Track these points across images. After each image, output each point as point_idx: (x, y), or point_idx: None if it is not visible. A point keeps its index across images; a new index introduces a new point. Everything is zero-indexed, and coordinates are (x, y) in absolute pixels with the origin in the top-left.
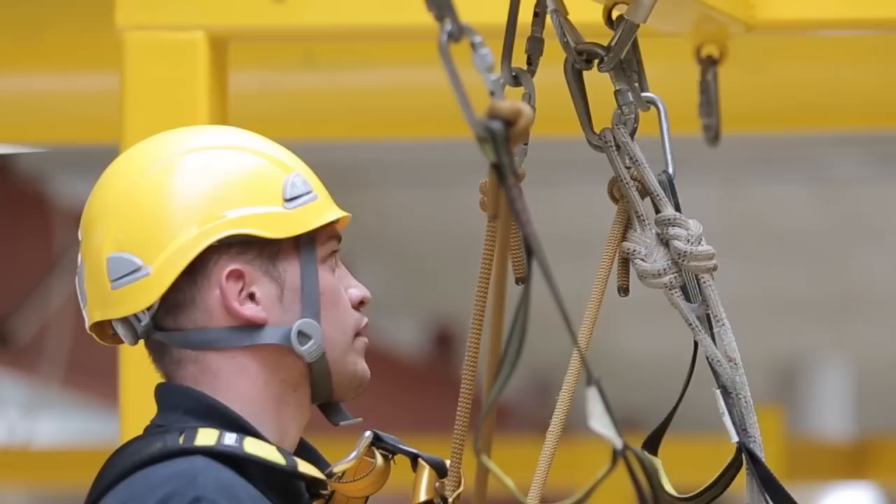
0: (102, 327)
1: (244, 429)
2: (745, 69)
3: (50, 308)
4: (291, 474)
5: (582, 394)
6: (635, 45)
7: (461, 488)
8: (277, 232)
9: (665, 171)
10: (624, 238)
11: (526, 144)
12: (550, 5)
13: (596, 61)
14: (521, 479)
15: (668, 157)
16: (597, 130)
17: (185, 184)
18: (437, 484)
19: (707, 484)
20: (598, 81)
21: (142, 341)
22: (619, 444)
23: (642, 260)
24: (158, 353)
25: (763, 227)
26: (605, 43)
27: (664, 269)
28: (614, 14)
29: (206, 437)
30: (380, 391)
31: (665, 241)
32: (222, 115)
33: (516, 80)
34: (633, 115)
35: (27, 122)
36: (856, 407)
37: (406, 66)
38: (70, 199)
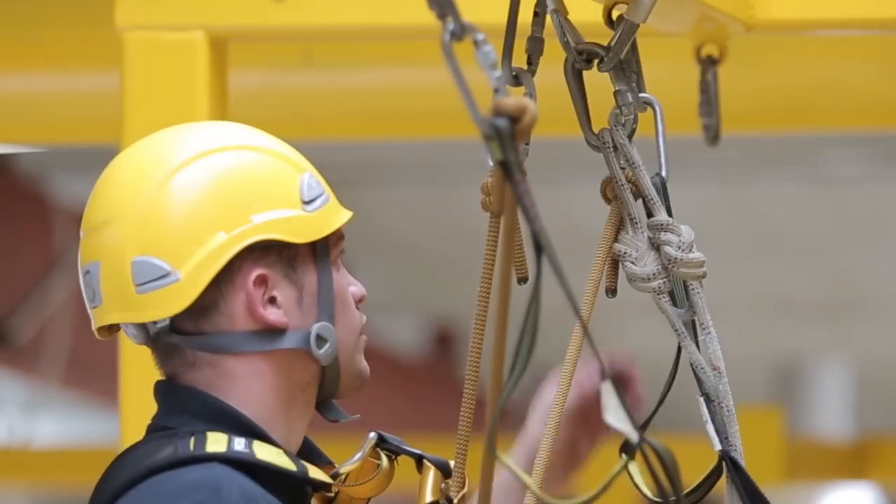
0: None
1: (254, 433)
2: (744, 69)
3: (50, 308)
4: (302, 480)
5: None
6: (634, 46)
7: (466, 489)
8: (301, 237)
9: (658, 174)
10: (615, 239)
11: (527, 144)
12: (550, 5)
13: (596, 61)
14: None
15: (663, 159)
16: (596, 131)
17: (209, 187)
18: (443, 485)
19: (687, 489)
20: (599, 82)
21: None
22: (634, 436)
23: (632, 263)
24: (167, 354)
25: (763, 227)
26: (605, 43)
27: (654, 274)
28: (614, 14)
29: (216, 442)
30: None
31: (656, 246)
32: (222, 115)
33: (517, 80)
34: (632, 116)
35: (27, 122)
36: (856, 407)
37: (406, 66)
38: (70, 199)
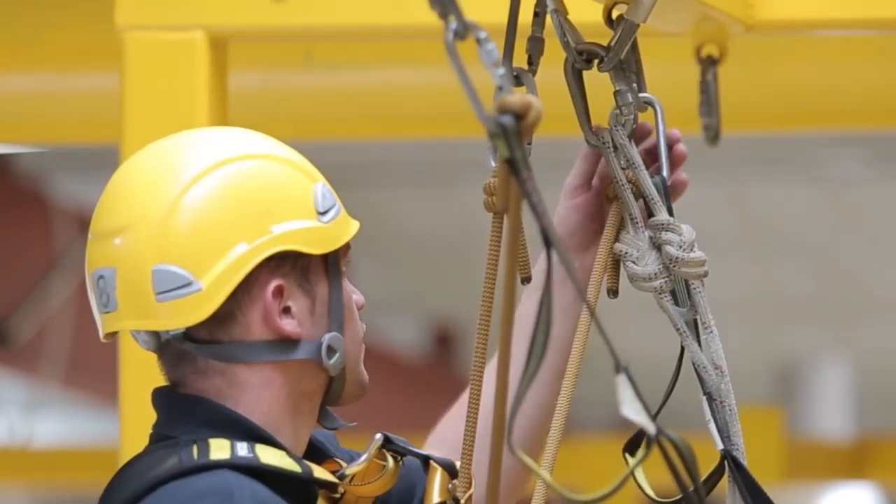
0: None
1: (261, 438)
2: (744, 69)
3: (50, 308)
4: (307, 482)
5: (581, 394)
6: (634, 46)
7: (472, 489)
8: (318, 248)
9: (659, 174)
10: (617, 239)
11: (530, 143)
12: (550, 5)
13: (596, 61)
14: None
15: (663, 159)
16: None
17: (230, 197)
18: (450, 485)
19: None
20: (599, 82)
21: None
22: (652, 429)
23: (634, 263)
24: (176, 361)
25: (763, 227)
26: (605, 43)
27: (655, 273)
28: (614, 14)
29: (220, 449)
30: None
31: (658, 246)
32: (222, 115)
33: (518, 80)
34: (632, 116)
35: (27, 122)
36: (856, 407)
37: (406, 66)
38: (70, 199)
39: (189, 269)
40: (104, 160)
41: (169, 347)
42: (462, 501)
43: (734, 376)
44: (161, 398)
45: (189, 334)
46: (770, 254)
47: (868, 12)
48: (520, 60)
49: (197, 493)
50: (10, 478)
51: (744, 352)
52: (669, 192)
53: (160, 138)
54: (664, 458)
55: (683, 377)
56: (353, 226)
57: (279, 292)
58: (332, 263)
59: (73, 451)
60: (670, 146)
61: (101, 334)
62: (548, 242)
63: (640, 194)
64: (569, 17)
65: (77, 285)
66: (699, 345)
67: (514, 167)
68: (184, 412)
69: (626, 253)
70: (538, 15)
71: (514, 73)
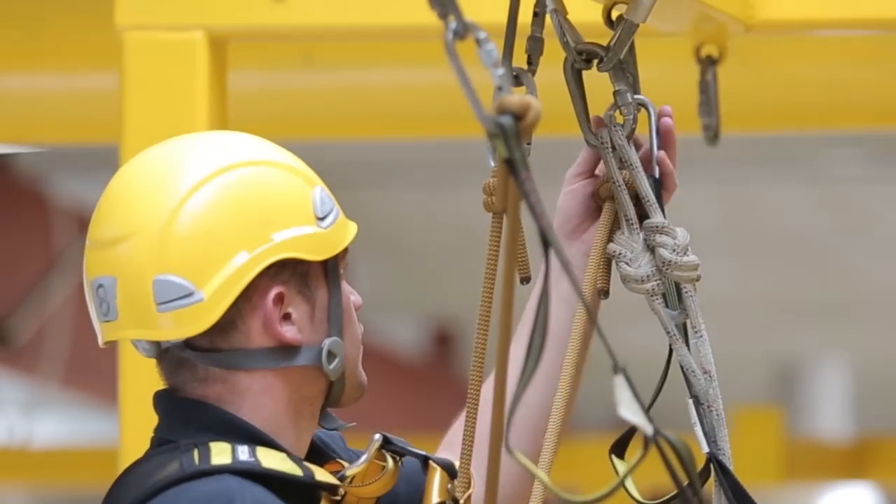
0: None
1: (262, 441)
2: (744, 69)
3: (50, 308)
4: (309, 485)
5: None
6: (631, 48)
7: (472, 489)
8: (319, 254)
9: (651, 175)
10: (611, 239)
11: (529, 144)
12: (550, 5)
13: (595, 61)
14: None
15: (656, 161)
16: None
17: (230, 206)
18: (449, 485)
19: (675, 491)
20: (599, 82)
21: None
22: (649, 430)
23: (627, 264)
24: (176, 368)
25: (763, 227)
26: (604, 43)
27: (648, 276)
28: (614, 14)
29: (221, 453)
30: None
31: (651, 248)
32: (222, 115)
33: (517, 80)
34: (631, 117)
35: (27, 122)
36: (855, 407)
37: (406, 66)
38: (70, 199)
39: (190, 279)
40: (104, 160)
41: (168, 355)
42: (461, 502)
43: (733, 376)
44: (162, 402)
45: (189, 342)
46: (770, 254)
47: (868, 12)
48: (520, 60)
49: (198, 498)
50: (10, 478)
51: (744, 352)
52: (661, 194)
53: (160, 138)
54: (662, 459)
55: (671, 379)
56: (352, 229)
57: (279, 299)
58: (331, 268)
59: (72, 451)
60: (662, 130)
61: (100, 342)
62: (546, 243)
63: (635, 195)
64: (568, 17)
65: (77, 286)
66: (689, 349)
67: (512, 167)
68: (185, 416)
69: (620, 254)
70: (538, 15)
71: (514, 73)
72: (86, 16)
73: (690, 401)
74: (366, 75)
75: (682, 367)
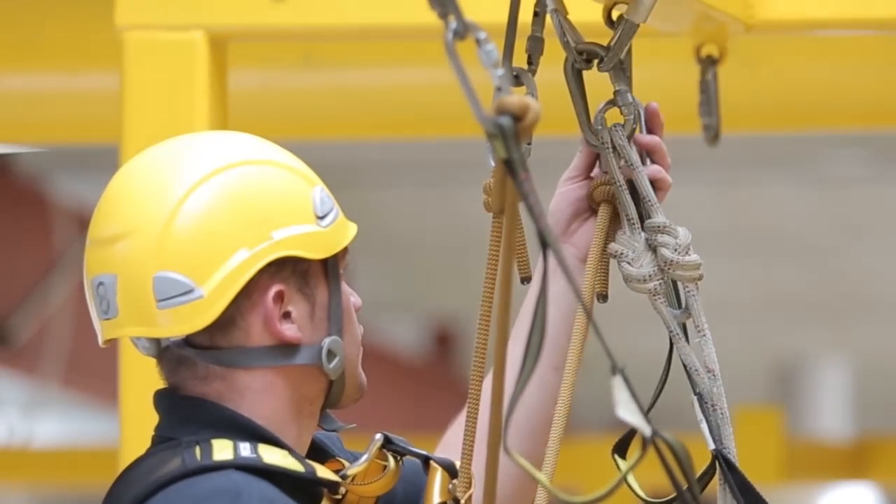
0: None
1: (264, 438)
2: (744, 69)
3: (50, 308)
4: (310, 481)
5: (580, 394)
6: (628, 50)
7: (473, 489)
8: (318, 252)
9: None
10: (611, 239)
11: (529, 144)
12: (550, 5)
13: (596, 61)
14: None
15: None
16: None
17: (230, 203)
18: (450, 485)
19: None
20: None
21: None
22: (647, 431)
23: (629, 264)
24: (176, 366)
25: (763, 227)
26: (605, 43)
27: (650, 275)
28: (614, 14)
29: (222, 449)
30: (380, 391)
31: (653, 248)
32: (222, 115)
33: (517, 80)
34: (632, 117)
35: (27, 122)
36: (856, 407)
37: (406, 66)
38: (70, 199)
39: (190, 276)
40: (104, 160)
41: (168, 353)
42: (462, 502)
43: (734, 376)
44: (163, 400)
45: (189, 340)
46: (770, 254)
47: (868, 12)
48: (520, 60)
49: (204, 493)
50: (10, 478)
51: (743, 352)
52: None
53: (160, 138)
54: (660, 460)
55: (675, 377)
56: (352, 229)
57: (279, 297)
58: (331, 267)
59: (72, 451)
60: (647, 115)
61: (100, 340)
62: (544, 243)
63: (636, 195)
64: (569, 16)
65: (77, 285)
66: (691, 348)
67: (511, 168)
68: (186, 414)
69: (622, 254)
70: (538, 15)
71: (514, 73)
72: (86, 16)
73: (694, 398)
74: (366, 75)
75: (685, 366)
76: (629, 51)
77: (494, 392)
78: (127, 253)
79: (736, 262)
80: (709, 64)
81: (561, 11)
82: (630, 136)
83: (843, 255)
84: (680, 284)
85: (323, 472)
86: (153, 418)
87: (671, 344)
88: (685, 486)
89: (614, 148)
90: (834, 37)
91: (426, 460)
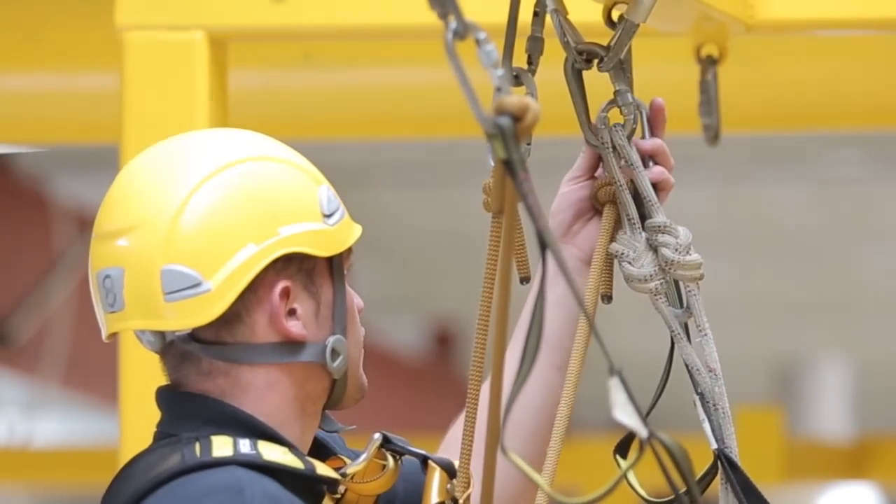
0: None
1: (266, 435)
2: (744, 69)
3: (50, 308)
4: (310, 478)
5: (581, 394)
6: (628, 50)
7: (471, 489)
8: (324, 250)
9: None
10: (612, 240)
11: (529, 144)
12: (550, 5)
13: (596, 61)
14: None
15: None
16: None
17: (239, 198)
18: (448, 485)
19: (682, 489)
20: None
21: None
22: (644, 432)
23: (630, 263)
24: (180, 361)
25: (763, 227)
26: (605, 43)
27: (651, 275)
28: (614, 14)
29: (222, 446)
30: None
31: (654, 247)
32: (222, 114)
33: (517, 80)
34: (632, 117)
35: (27, 122)
36: (856, 407)
37: (406, 66)
38: (70, 199)
39: (198, 270)
40: (104, 160)
41: (173, 348)
42: (461, 501)
43: (733, 376)
44: (165, 397)
45: (194, 335)
46: (770, 254)
47: (868, 12)
48: (520, 60)
49: (207, 489)
50: (10, 478)
51: (744, 352)
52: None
53: (160, 138)
54: (657, 461)
55: (677, 378)
56: (357, 229)
57: (285, 294)
58: (336, 266)
59: (72, 451)
60: (653, 111)
61: (103, 334)
62: (543, 244)
63: (636, 195)
64: (569, 16)
65: (77, 285)
66: (693, 347)
67: (510, 168)
68: (187, 410)
69: (623, 253)
70: (538, 15)
71: (514, 73)
72: (86, 16)
73: (696, 397)
74: (366, 75)
75: (686, 366)
76: (629, 51)
77: (493, 392)
78: (135, 246)
79: (736, 262)
80: (709, 64)
81: (561, 11)
82: (630, 136)
83: (843, 255)
84: (681, 284)
85: (323, 469)
86: (153, 418)
87: (672, 344)
88: (683, 488)
89: (614, 148)
90: (834, 37)
91: (424, 460)
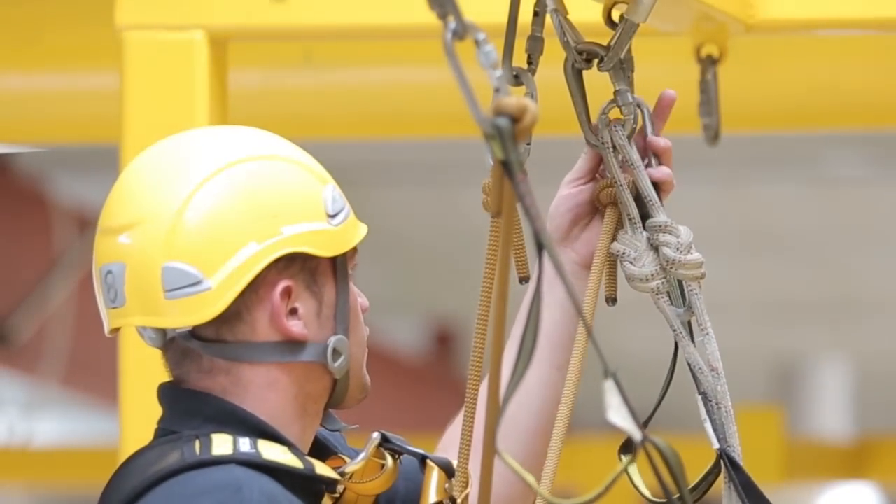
0: None
1: (266, 434)
2: (744, 69)
3: (50, 308)
4: (309, 478)
5: (580, 394)
6: (629, 49)
7: (469, 488)
8: (327, 250)
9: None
10: (613, 239)
11: (529, 144)
12: (550, 4)
13: (596, 61)
14: None
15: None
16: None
17: (242, 197)
18: (447, 485)
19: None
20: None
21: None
22: (637, 435)
23: (631, 263)
24: (181, 358)
25: (763, 227)
26: (605, 43)
27: (652, 274)
28: (614, 14)
29: (222, 444)
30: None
31: (655, 247)
32: (222, 114)
33: (517, 80)
34: (632, 116)
35: (27, 122)
36: (856, 407)
37: (406, 66)
38: (70, 199)
39: (199, 268)
40: (104, 160)
41: (174, 345)
42: (459, 501)
43: (734, 376)
44: (166, 393)
45: (195, 332)
46: (770, 254)
47: (868, 12)
48: (519, 60)
49: (205, 487)
50: (10, 478)
51: (744, 352)
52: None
53: (160, 138)
54: (650, 464)
55: (679, 377)
56: (362, 229)
57: (287, 293)
58: (339, 266)
59: (72, 451)
60: (662, 104)
61: (105, 329)
62: (540, 246)
63: (637, 195)
64: (569, 16)
65: (77, 285)
66: (695, 346)
67: (508, 169)
68: (189, 408)
69: (624, 253)
70: (538, 14)
71: (514, 73)
72: (86, 16)
73: (699, 397)
74: (366, 75)
75: (689, 365)
76: (629, 50)
77: (490, 393)
78: (137, 242)
79: (736, 262)
80: (709, 64)
81: (561, 11)
82: (630, 136)
83: (843, 255)
84: (683, 283)
85: (322, 468)
86: (153, 418)
87: (676, 344)
88: (676, 490)
89: (614, 147)
90: (834, 37)
91: (423, 459)
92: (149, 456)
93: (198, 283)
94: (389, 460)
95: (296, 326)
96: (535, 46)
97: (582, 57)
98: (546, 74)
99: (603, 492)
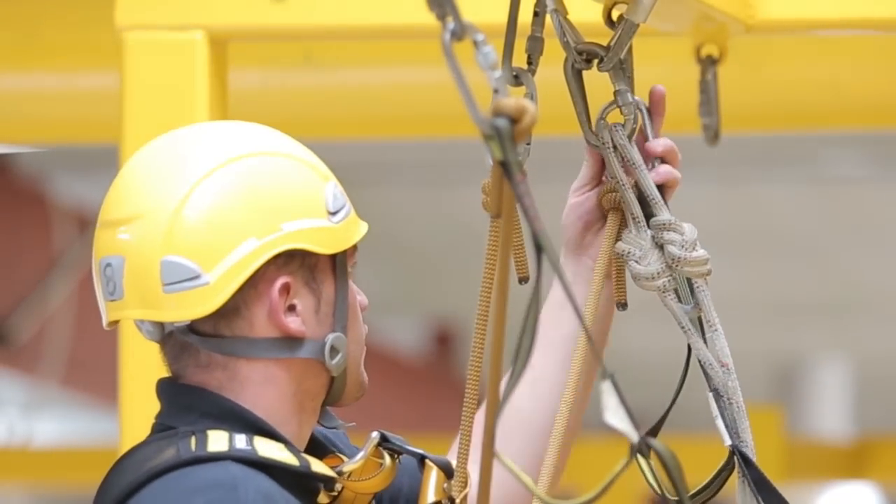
0: None
1: (262, 430)
2: (744, 69)
3: (50, 308)
4: (305, 475)
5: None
6: (629, 49)
7: (468, 488)
8: (328, 248)
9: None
10: (618, 239)
11: (529, 144)
12: (550, 5)
13: (596, 61)
14: None
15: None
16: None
17: (242, 192)
18: (445, 485)
19: (699, 486)
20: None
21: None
22: (634, 437)
23: (637, 262)
24: (179, 352)
25: (763, 227)
26: (605, 43)
27: (658, 272)
28: (614, 14)
29: (218, 441)
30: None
31: (660, 245)
32: (222, 114)
33: (517, 80)
34: (632, 116)
35: (27, 122)
36: (856, 407)
37: (406, 66)
38: (70, 199)
39: (197, 262)
40: (104, 160)
41: (172, 339)
42: (458, 501)
43: None
44: (165, 389)
45: (193, 327)
46: (770, 254)
47: (868, 12)
48: (519, 61)
49: (201, 484)
50: (10, 478)
51: (744, 351)
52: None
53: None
54: (648, 468)
55: (690, 375)
56: (362, 227)
57: (285, 290)
58: (339, 264)
59: (72, 451)
60: (654, 100)
61: (104, 322)
62: (538, 247)
63: (640, 194)
64: (569, 16)
65: (77, 285)
66: (705, 342)
67: (507, 170)
68: (186, 403)
69: (629, 252)
70: (538, 15)
71: (514, 74)
72: (86, 16)
73: (710, 394)
74: (366, 75)
75: (699, 362)
76: (629, 50)
77: (489, 394)
78: (136, 236)
79: (736, 262)
80: (709, 64)
81: (561, 11)
82: (631, 136)
83: (843, 255)
84: (690, 280)
85: (318, 466)
86: (153, 417)
87: (689, 345)
88: (675, 492)
89: (615, 147)
90: (834, 37)
91: (422, 459)
92: (145, 452)
93: (196, 277)
94: (388, 459)
95: (294, 323)
96: (535, 47)
97: (582, 57)
98: (546, 74)
99: (600, 493)
